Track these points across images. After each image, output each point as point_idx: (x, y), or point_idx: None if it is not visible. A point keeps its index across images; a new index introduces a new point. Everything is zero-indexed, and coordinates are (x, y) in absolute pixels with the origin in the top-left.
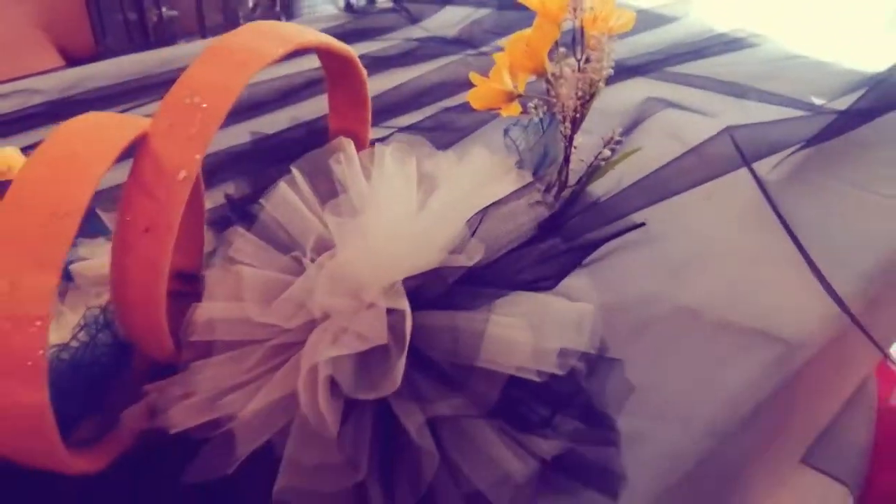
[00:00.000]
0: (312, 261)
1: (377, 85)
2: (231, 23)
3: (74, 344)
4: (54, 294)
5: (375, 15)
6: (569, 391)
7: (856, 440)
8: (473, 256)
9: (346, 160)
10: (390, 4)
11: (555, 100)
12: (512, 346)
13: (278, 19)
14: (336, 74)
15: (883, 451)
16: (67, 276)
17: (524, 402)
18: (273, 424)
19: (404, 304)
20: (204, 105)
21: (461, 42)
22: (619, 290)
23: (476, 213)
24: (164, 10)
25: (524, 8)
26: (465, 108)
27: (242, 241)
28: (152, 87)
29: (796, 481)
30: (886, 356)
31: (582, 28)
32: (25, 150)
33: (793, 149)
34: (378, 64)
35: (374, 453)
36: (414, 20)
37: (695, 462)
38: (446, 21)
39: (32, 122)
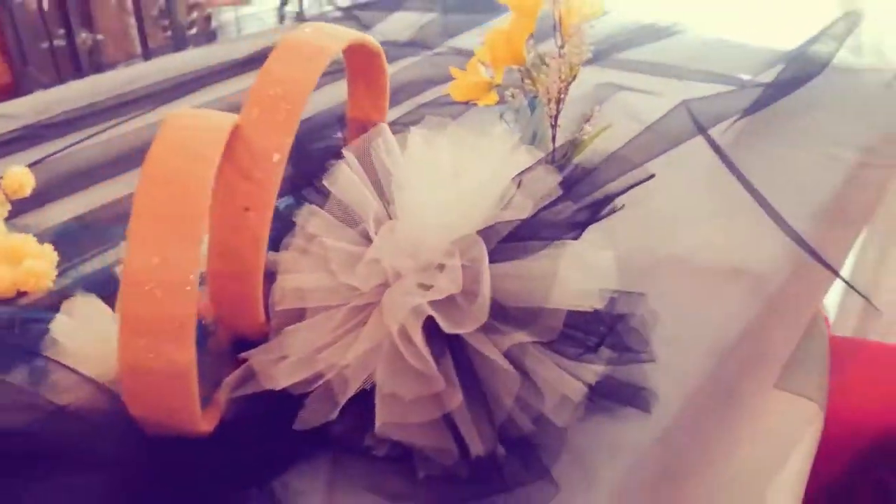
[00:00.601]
0: (376, 233)
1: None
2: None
3: None
4: (197, 265)
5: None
6: (610, 321)
7: (817, 363)
8: (523, 211)
9: (386, 145)
10: (339, 14)
11: (531, 86)
12: (569, 286)
13: (215, 36)
14: (361, 67)
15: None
16: None
17: (576, 333)
18: (364, 372)
19: (472, 256)
20: (286, 95)
21: (415, 45)
22: (614, 246)
23: (515, 176)
24: (88, 35)
25: (467, 11)
26: (439, 102)
27: (319, 218)
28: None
29: (773, 405)
30: (838, 276)
31: (560, 17)
32: None
33: (734, 118)
34: (339, 69)
35: (462, 383)
36: (365, 27)
37: (702, 378)
38: (396, 27)
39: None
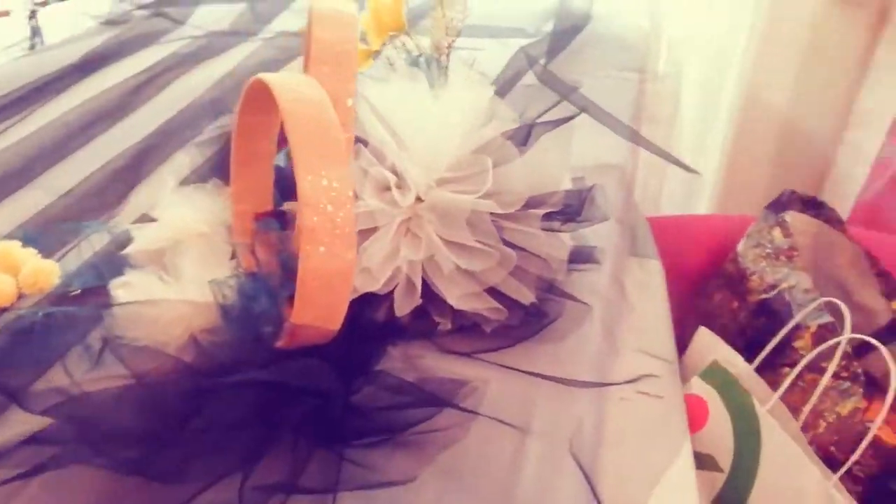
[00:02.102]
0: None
1: (204, 76)
2: None
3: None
4: (352, 183)
5: (137, 24)
6: (579, 197)
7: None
8: (513, 122)
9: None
10: (146, 12)
11: (414, 48)
12: (555, 174)
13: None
14: None
15: None
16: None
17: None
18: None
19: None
20: (343, 53)
21: (239, 33)
22: None
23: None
24: None
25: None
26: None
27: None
28: None
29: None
30: (672, 158)
31: None
32: None
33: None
34: (188, 60)
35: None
36: (178, 22)
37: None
38: (208, 19)
39: None
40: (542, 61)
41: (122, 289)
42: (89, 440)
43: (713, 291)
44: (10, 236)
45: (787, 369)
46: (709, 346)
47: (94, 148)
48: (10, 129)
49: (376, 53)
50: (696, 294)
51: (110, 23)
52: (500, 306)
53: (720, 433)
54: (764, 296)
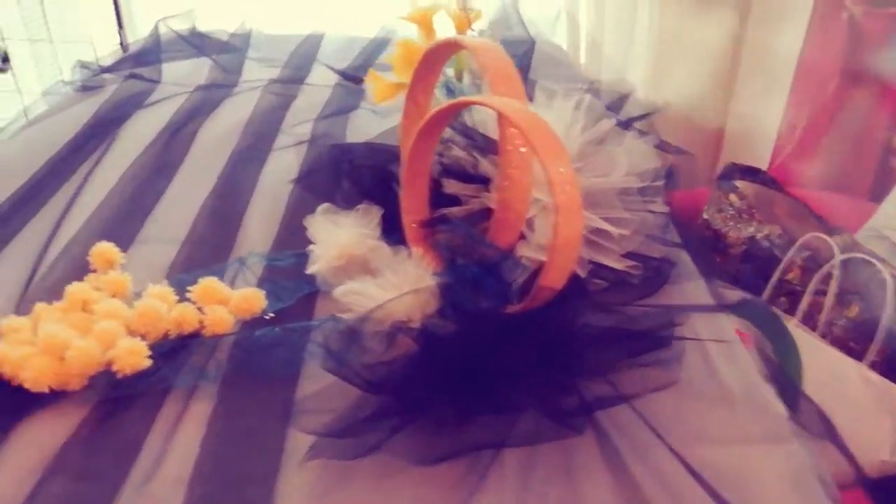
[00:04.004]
0: None
1: (225, 125)
2: None
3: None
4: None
5: (120, 87)
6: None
7: None
8: (609, 124)
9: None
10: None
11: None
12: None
13: None
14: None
15: None
16: None
17: None
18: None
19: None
20: (511, 75)
21: (222, 85)
22: None
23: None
24: None
25: (218, 51)
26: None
27: None
28: None
29: None
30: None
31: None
32: None
33: None
34: (199, 113)
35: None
36: (155, 81)
37: None
38: (180, 74)
39: None
40: None
41: (350, 296)
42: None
43: None
44: (173, 283)
45: (783, 299)
46: None
47: (171, 199)
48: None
49: (402, 86)
50: None
51: (86, 88)
52: (637, 263)
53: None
54: (744, 247)
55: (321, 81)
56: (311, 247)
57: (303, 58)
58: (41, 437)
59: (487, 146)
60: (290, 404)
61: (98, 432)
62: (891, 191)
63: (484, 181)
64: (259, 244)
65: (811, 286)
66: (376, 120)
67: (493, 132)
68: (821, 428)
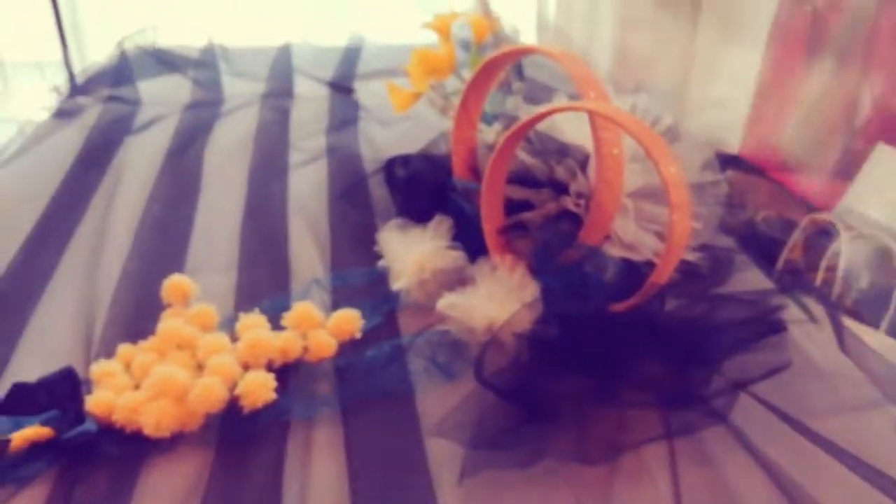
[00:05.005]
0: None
1: (228, 144)
2: None
3: None
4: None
5: (104, 111)
6: None
7: None
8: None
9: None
10: (100, 105)
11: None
12: None
13: None
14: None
15: None
16: None
17: None
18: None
19: None
20: (595, 80)
21: (201, 104)
22: None
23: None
24: None
25: (208, 68)
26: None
27: None
28: None
29: None
30: None
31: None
32: None
33: None
34: (198, 135)
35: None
36: (134, 102)
37: None
38: (159, 95)
39: None
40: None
41: (454, 309)
42: None
43: None
44: (262, 310)
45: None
46: None
47: (205, 226)
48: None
49: (419, 95)
50: None
51: (63, 114)
52: (705, 255)
53: None
54: (741, 232)
55: (309, 93)
56: (382, 262)
57: (283, 70)
58: (171, 486)
59: (563, 151)
60: (416, 421)
61: (232, 474)
62: (858, 170)
63: (557, 186)
64: (314, 263)
65: (823, 263)
66: (382, 129)
67: (560, 138)
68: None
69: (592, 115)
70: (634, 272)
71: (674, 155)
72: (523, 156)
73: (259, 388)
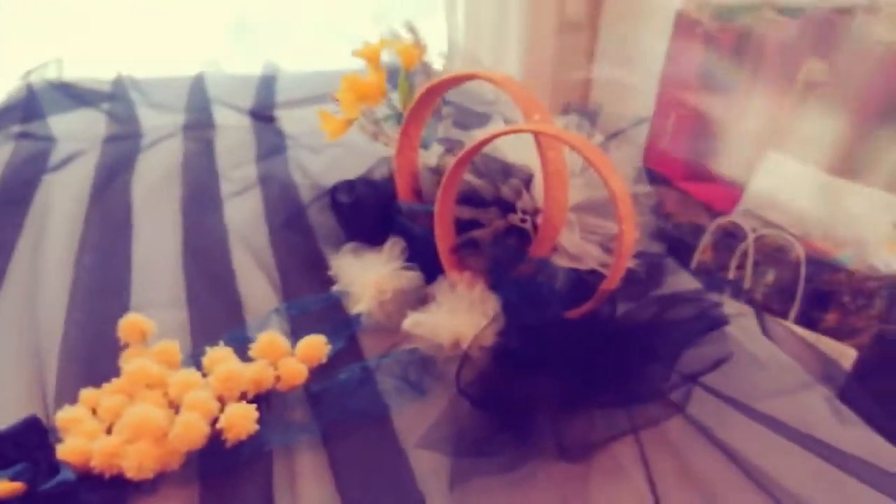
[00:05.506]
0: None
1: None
2: None
3: None
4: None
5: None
6: None
7: None
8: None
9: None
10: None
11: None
12: None
13: None
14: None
15: None
16: None
17: None
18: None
19: None
20: (538, 104)
21: (125, 136)
22: None
23: None
24: None
25: (120, 100)
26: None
27: None
28: None
29: None
30: None
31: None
32: None
33: None
34: (120, 169)
35: None
36: (49, 138)
37: None
38: (75, 129)
39: None
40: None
41: (418, 327)
42: None
43: None
44: (225, 341)
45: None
46: None
47: (144, 262)
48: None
49: (351, 121)
50: None
51: None
52: (641, 261)
53: None
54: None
55: (231, 122)
56: (336, 287)
57: (199, 100)
58: None
59: (507, 171)
60: (395, 438)
61: None
62: (753, 176)
63: (503, 204)
64: (266, 293)
65: (733, 262)
66: (312, 156)
67: (502, 158)
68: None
69: (539, 135)
70: (581, 281)
71: (619, 172)
72: (469, 177)
73: (242, 420)
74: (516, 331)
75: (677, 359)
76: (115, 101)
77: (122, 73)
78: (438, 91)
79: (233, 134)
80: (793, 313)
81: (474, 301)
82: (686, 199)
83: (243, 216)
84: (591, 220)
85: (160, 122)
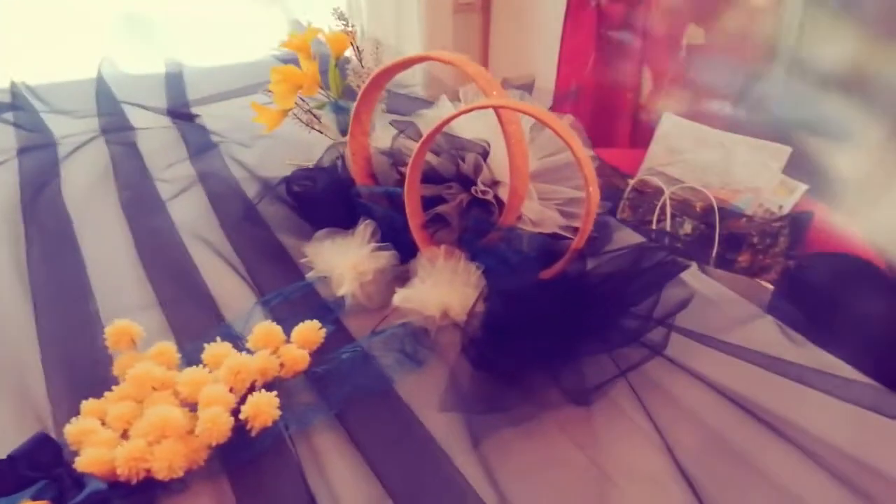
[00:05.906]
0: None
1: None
2: None
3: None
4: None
5: None
6: None
7: None
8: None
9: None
10: None
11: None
12: None
13: None
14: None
15: None
16: None
17: None
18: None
19: None
20: (494, 81)
21: (43, 145)
22: None
23: None
24: None
25: (22, 109)
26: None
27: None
28: None
29: None
30: None
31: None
32: None
33: None
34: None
35: None
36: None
37: None
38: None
39: None
40: None
41: (408, 302)
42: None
43: None
44: (220, 335)
45: None
46: None
47: (99, 268)
48: None
49: (287, 112)
50: None
51: None
52: None
53: None
54: None
55: (148, 123)
56: (311, 273)
57: (108, 103)
58: None
59: (464, 147)
60: (406, 406)
61: (259, 497)
62: (651, 138)
63: (463, 179)
64: (236, 286)
65: (654, 217)
66: (243, 150)
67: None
68: None
69: (500, 110)
70: (545, 244)
71: (580, 139)
72: (428, 156)
73: (266, 408)
74: (498, 296)
75: (649, 304)
76: (17, 110)
77: (14, 81)
78: (388, 75)
79: (155, 135)
80: (712, 258)
81: (458, 272)
82: (602, 165)
83: (191, 214)
84: (546, 187)
85: (73, 129)
